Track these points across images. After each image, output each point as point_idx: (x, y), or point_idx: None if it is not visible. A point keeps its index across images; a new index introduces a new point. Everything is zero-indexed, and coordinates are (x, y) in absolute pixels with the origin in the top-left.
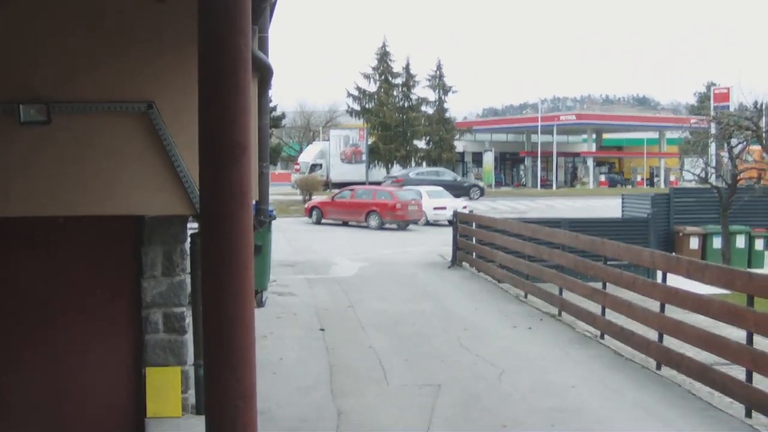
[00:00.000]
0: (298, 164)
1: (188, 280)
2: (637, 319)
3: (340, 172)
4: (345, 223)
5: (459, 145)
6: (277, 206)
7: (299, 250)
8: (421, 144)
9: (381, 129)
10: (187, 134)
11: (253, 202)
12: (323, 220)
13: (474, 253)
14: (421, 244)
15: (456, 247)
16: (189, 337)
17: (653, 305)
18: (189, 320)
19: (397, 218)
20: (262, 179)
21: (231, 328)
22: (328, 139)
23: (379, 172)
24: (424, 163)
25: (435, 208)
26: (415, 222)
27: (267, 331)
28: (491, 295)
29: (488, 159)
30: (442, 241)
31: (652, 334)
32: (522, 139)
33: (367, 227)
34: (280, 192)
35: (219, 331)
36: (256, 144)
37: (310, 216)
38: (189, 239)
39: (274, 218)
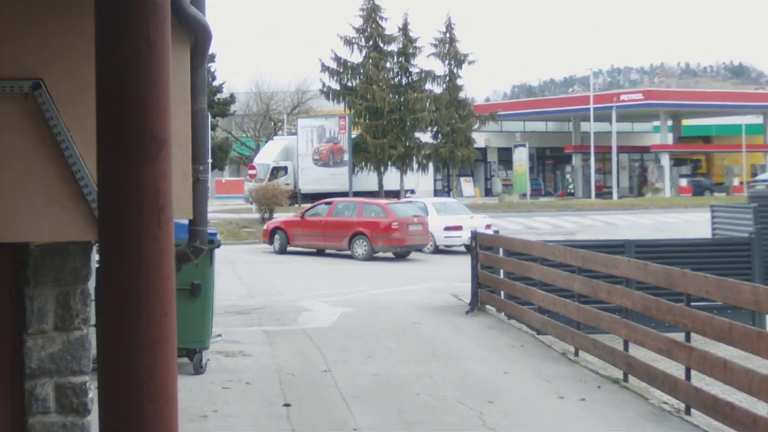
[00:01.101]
0: (253, 168)
1: (94, 335)
2: (738, 385)
3: (312, 178)
4: (320, 251)
5: (479, 138)
6: (223, 228)
7: (255, 291)
8: (425, 137)
9: (369, 116)
10: (92, 126)
11: (185, 221)
12: (289, 248)
13: (502, 292)
14: (428, 280)
15: (476, 283)
16: (94, 419)
17: (761, 364)
18: (93, 394)
19: (394, 243)
20: (199, 189)
21: (143, 405)
22: (296, 132)
23: (367, 179)
24: (430, 166)
25: (447, 228)
26: (420, 249)
27: (208, 408)
28: (527, 351)
29: (520, 157)
30: (457, 274)
31: (761, 408)
32: (568, 129)
33: (351, 257)
34: (228, 207)
35: (124, 410)
36: (188, 138)
37: (271, 241)
38: (95, 276)
39: (218, 245)
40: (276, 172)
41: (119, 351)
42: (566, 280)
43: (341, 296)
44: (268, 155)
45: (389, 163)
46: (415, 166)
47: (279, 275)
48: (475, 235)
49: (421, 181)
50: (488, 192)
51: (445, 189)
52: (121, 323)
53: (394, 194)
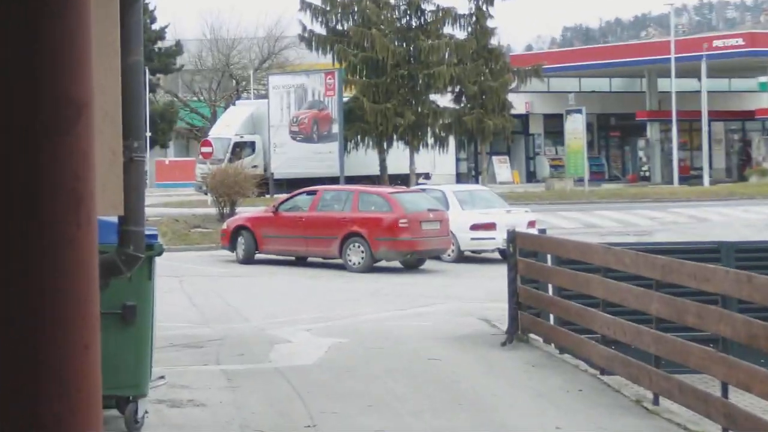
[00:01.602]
0: (208, 144)
1: None
2: None
3: (289, 158)
4: (301, 260)
5: (518, 102)
6: (166, 228)
7: (212, 315)
8: (444, 100)
9: (367, 71)
10: None
11: (114, 218)
12: (258, 255)
13: (551, 316)
14: (449, 299)
15: (515, 303)
16: None
17: None
18: None
19: (402, 248)
20: (132, 173)
21: None
22: (266, 95)
23: (364, 159)
24: (450, 140)
25: (474, 227)
26: (437, 255)
27: None
28: (586, 398)
29: (575, 127)
30: (488, 291)
31: None
32: (640, 88)
33: (343, 267)
34: (173, 199)
35: None
36: (118, 103)
37: (233, 246)
38: None
39: (160, 252)
40: (239, 149)
41: (19, 399)
42: (640, 298)
43: (330, 322)
44: (228, 127)
45: (395, 136)
46: (431, 140)
47: (244, 293)
48: (513, 237)
49: (439, 161)
50: (531, 176)
51: (472, 173)
52: (22, 361)
53: (402, 180)
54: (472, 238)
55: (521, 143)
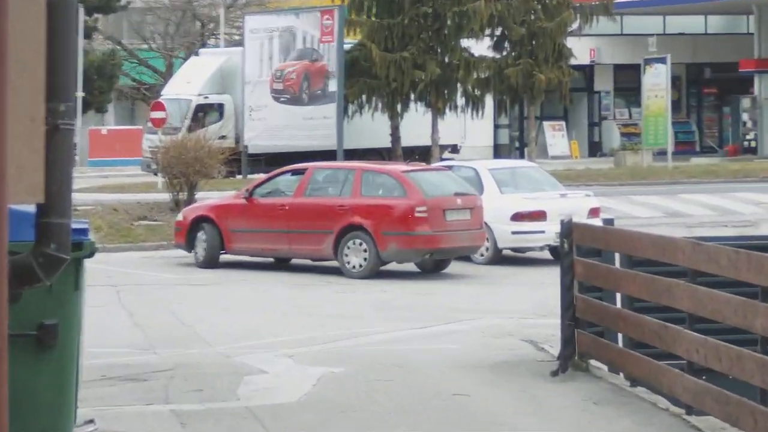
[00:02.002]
0: (160, 108)
1: None
2: None
3: (270, 125)
4: (282, 262)
5: (579, 49)
6: (101, 220)
7: (160, 337)
8: (480, 47)
9: (378, 9)
10: None
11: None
12: (225, 255)
13: (620, 335)
14: (482, 313)
15: (571, 318)
16: None
17: None
18: None
19: (419, 245)
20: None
21: None
22: (241, 41)
23: (370, 126)
24: (487, 101)
25: (517, 217)
26: (467, 255)
27: None
28: None
29: (655, 83)
30: (535, 302)
31: None
32: (745, 29)
33: (339, 271)
34: (111, 182)
35: None
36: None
37: (191, 245)
38: None
39: (91, 252)
40: (202, 114)
41: None
42: (741, 311)
43: (321, 345)
44: (188, 84)
45: (412, 96)
46: (461, 101)
47: (205, 308)
48: (569, 230)
49: (471, 129)
50: (595, 148)
51: (516, 144)
52: None
53: (421, 155)
54: (514, 232)
55: (583, 104)
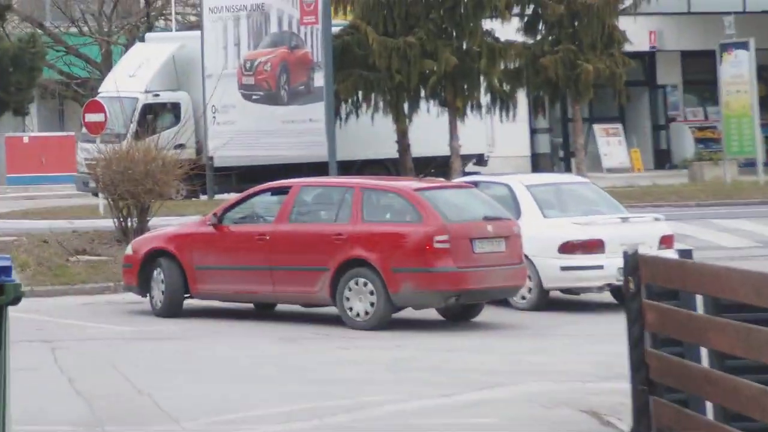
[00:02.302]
0: (97, 109)
1: None
2: None
3: (240, 130)
4: (264, 308)
5: (635, 30)
6: (28, 255)
7: (110, 409)
8: (507, 30)
9: None
10: None
11: None
12: (189, 299)
13: (709, 404)
14: (525, 375)
15: (644, 381)
16: None
17: None
18: None
19: (441, 286)
20: None
21: None
22: (198, 23)
23: (369, 132)
24: (520, 100)
25: (566, 248)
26: (505, 298)
27: None
28: None
29: (735, 73)
30: (594, 360)
31: None
32: None
33: (339, 319)
34: (39, 204)
35: None
36: None
37: (144, 285)
38: None
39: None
40: (152, 116)
41: None
42: None
43: (318, 420)
44: (132, 78)
45: (423, 92)
46: (486, 98)
47: (166, 371)
48: (635, 264)
49: (501, 135)
50: (662, 158)
51: (560, 154)
52: None
53: (438, 167)
54: (564, 268)
55: (643, 102)
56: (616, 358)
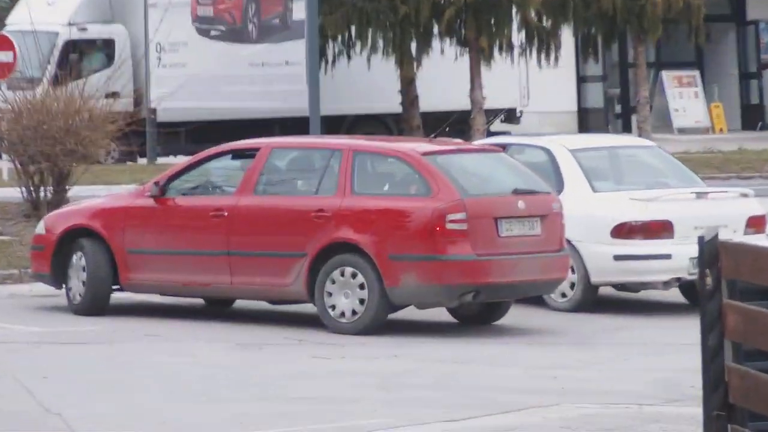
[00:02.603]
0: (5, 46)
1: None
2: None
3: (194, 77)
4: (218, 304)
5: None
6: None
7: (6, 429)
8: None
9: None
10: None
11: None
12: (118, 291)
13: None
14: (560, 395)
15: (721, 402)
16: None
17: None
18: None
19: (455, 279)
20: None
21: None
22: None
23: (366, 79)
24: (564, 38)
25: (623, 231)
26: (540, 294)
27: None
28: None
29: None
30: (655, 375)
31: None
32: None
33: (317, 320)
34: None
35: None
36: None
37: (58, 274)
38: None
39: None
40: (76, 56)
41: None
42: None
43: None
44: (48, 7)
45: (436, 28)
46: (518, 36)
47: (84, 384)
48: (715, 253)
49: (539, 84)
50: (752, 116)
51: (616, 109)
52: None
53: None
54: (618, 257)
55: (728, 43)
56: (683, 374)
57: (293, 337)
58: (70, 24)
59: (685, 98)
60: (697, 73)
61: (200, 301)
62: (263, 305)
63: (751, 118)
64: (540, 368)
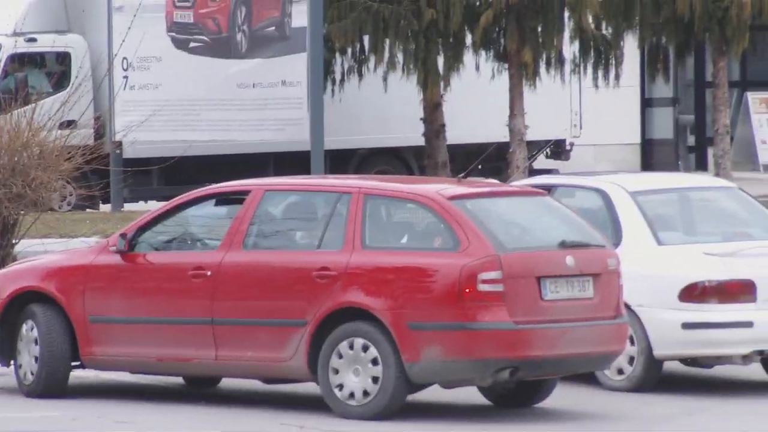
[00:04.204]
0: None
1: None
2: None
3: (167, 101)
4: (200, 385)
5: None
6: None
7: None
8: None
9: None
10: None
11: None
12: (78, 368)
13: None
14: None
15: None
16: None
17: None
18: None
19: (486, 352)
20: None
21: None
22: None
23: (381, 103)
24: (626, 52)
25: (692, 295)
26: (592, 370)
27: None
28: None
29: None
30: None
31: None
32: None
33: (320, 402)
34: None
35: None
36: None
37: (7, 348)
38: None
39: None
40: (22, 75)
41: None
42: None
43: None
44: None
45: (468, 40)
46: (570, 48)
47: None
48: None
49: (595, 110)
50: None
51: (689, 140)
52: None
53: (489, 161)
54: (688, 325)
55: None
56: None
57: (293, 424)
58: (15, 33)
59: None
60: None
61: (179, 380)
62: (255, 385)
63: None
64: None
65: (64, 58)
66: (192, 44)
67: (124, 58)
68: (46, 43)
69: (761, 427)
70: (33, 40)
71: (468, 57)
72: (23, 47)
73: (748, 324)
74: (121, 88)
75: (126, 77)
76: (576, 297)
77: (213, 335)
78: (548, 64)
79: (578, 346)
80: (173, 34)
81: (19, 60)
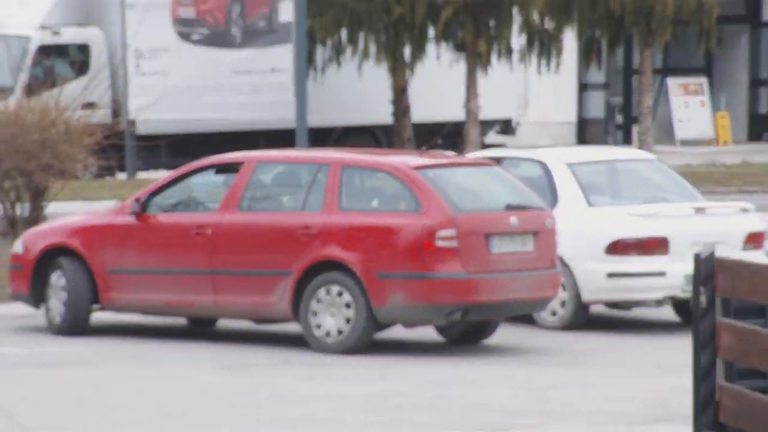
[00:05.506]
0: None
1: None
2: None
3: (173, 86)
4: (201, 324)
5: None
6: None
7: None
8: None
9: None
10: None
11: None
12: (100, 311)
13: None
14: (550, 415)
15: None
16: None
17: None
18: None
19: (443, 298)
20: None
21: None
22: None
23: (356, 87)
24: (566, 42)
25: (618, 248)
26: (530, 313)
27: None
28: None
29: None
30: (645, 394)
31: None
32: None
33: (302, 340)
34: None
35: None
36: None
37: (37, 294)
38: None
39: None
40: (49, 63)
41: None
42: None
43: None
44: (22, 7)
45: (432, 31)
46: (518, 40)
47: (65, 409)
48: (711, 270)
49: (538, 93)
50: (759, 127)
51: (618, 119)
52: None
53: (448, 137)
54: (612, 275)
55: (740, 48)
56: (674, 393)
57: (278, 358)
58: (42, 27)
59: (690, 108)
60: (705, 81)
61: (183, 320)
62: (247, 324)
63: (757, 128)
64: (529, 389)
65: (84, 49)
66: (194, 36)
67: (136, 48)
68: (69, 36)
69: (672, 360)
70: (57, 33)
71: (430, 48)
72: (49, 39)
73: (662, 274)
74: (134, 75)
75: (138, 65)
76: (518, 251)
77: (212, 283)
78: (499, 54)
79: (519, 292)
80: (178, 27)
81: (46, 50)
